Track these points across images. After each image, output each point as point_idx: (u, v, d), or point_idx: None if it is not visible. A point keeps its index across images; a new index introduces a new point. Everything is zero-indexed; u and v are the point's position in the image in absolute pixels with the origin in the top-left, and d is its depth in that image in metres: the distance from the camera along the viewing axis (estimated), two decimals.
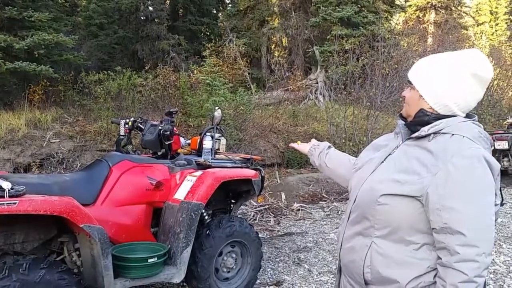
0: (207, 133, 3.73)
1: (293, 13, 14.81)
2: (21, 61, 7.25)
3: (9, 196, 2.21)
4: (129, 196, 3.08)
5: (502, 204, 1.36)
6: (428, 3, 21.97)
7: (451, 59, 1.38)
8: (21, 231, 2.56)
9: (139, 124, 3.69)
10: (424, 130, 1.36)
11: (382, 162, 1.45)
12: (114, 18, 12.58)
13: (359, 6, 12.96)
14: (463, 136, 1.30)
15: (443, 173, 1.25)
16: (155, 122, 3.65)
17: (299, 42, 14.62)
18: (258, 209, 6.21)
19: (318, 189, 7.56)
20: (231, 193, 3.89)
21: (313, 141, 2.02)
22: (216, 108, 3.95)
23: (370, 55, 10.05)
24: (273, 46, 17.05)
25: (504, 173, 8.90)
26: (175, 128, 3.57)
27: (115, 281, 2.67)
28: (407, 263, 1.32)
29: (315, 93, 12.86)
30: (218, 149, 3.89)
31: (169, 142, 3.51)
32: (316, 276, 4.06)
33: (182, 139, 3.84)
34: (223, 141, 4.00)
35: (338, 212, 6.48)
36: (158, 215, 3.27)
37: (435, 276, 1.29)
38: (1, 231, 2.49)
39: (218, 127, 3.88)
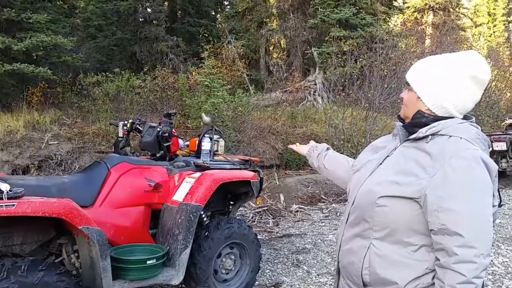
0: (206, 135, 3.73)
1: (291, 14, 14.83)
2: (19, 62, 7.24)
3: (8, 198, 2.21)
4: (128, 197, 3.08)
5: (500, 205, 1.37)
6: (426, 4, 22.05)
7: (449, 61, 1.38)
8: (20, 233, 2.56)
9: (137, 126, 3.69)
10: (422, 132, 1.37)
11: (380, 164, 1.45)
12: (112, 20, 12.58)
13: (357, 7, 12.97)
14: (461, 138, 1.30)
15: (441, 174, 1.26)
16: (153, 124, 3.65)
17: (298, 43, 14.64)
18: (256, 210, 6.21)
19: (317, 190, 7.56)
20: (229, 194, 3.89)
21: (312, 142, 2.02)
22: (204, 114, 3.93)
23: (368, 56, 10.06)
24: (271, 48, 17.06)
25: (502, 174, 8.93)
26: (173, 130, 3.57)
27: (113, 282, 2.67)
28: (406, 265, 1.32)
29: (314, 94, 12.86)
30: (217, 150, 3.89)
31: (167, 144, 3.51)
32: (315, 277, 4.06)
33: (180, 141, 3.84)
34: (222, 142, 4.01)
35: (336, 214, 6.48)
36: (156, 216, 3.27)
37: (433, 277, 1.29)
38: (0, 233, 2.49)
39: (216, 128, 3.88)
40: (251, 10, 15.58)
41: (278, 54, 17.02)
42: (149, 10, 11.99)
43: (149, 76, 9.66)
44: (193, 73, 10.46)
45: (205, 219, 3.40)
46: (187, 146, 3.95)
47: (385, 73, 9.25)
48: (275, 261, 4.47)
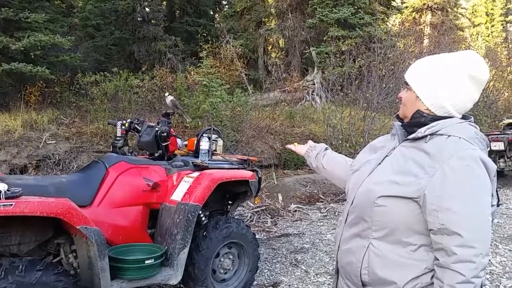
0: (204, 134, 3.73)
1: (289, 14, 14.82)
2: (17, 62, 7.21)
3: (5, 198, 2.20)
4: (126, 197, 3.08)
5: (498, 205, 1.37)
6: (424, 4, 22.09)
7: (448, 61, 1.38)
8: (18, 233, 2.55)
9: (135, 126, 3.68)
10: (420, 132, 1.37)
11: (379, 163, 1.45)
12: (110, 19, 12.55)
13: (356, 7, 12.97)
14: (460, 137, 1.30)
15: (440, 174, 1.26)
16: (151, 124, 3.64)
17: (296, 43, 14.64)
18: (255, 210, 6.21)
19: (315, 190, 7.56)
20: (228, 194, 3.89)
21: (310, 142, 2.01)
22: (166, 94, 3.88)
23: (366, 56, 10.07)
24: (270, 47, 17.05)
25: (500, 174, 8.94)
26: (172, 129, 3.56)
27: (111, 282, 2.67)
28: (405, 265, 1.32)
29: (312, 94, 12.87)
30: (215, 150, 3.89)
31: (166, 144, 3.51)
32: (313, 277, 4.06)
33: (179, 140, 3.83)
34: (220, 142, 4.01)
35: (335, 213, 6.49)
36: (155, 216, 3.26)
37: (432, 277, 1.29)
38: None
39: (215, 128, 3.88)
40: (249, 9, 15.57)
41: (276, 54, 17.02)
42: (147, 9, 11.98)
43: (147, 76, 9.65)
44: (192, 72, 10.45)
45: (203, 218, 3.40)
46: (186, 145, 3.95)
47: (384, 73, 9.25)
48: (273, 260, 4.47)
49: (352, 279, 1.44)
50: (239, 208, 5.84)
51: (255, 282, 3.78)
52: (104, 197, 2.99)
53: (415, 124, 1.41)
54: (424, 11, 22.25)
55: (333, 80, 10.08)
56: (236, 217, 3.84)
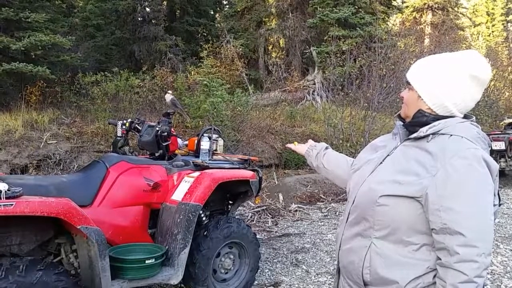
0: (205, 134, 3.73)
1: (290, 14, 14.82)
2: (18, 62, 7.22)
3: (6, 198, 2.20)
4: (127, 197, 3.07)
5: (499, 205, 1.36)
6: (425, 4, 22.07)
7: (449, 60, 1.38)
8: (18, 233, 2.55)
9: (136, 125, 3.68)
10: (422, 131, 1.36)
11: (381, 163, 1.45)
12: (111, 19, 12.56)
13: (356, 7, 12.97)
14: (462, 137, 1.30)
15: (442, 173, 1.25)
16: (152, 123, 3.64)
17: (297, 43, 14.63)
18: (255, 210, 6.21)
19: (316, 190, 7.56)
20: (228, 194, 3.89)
21: (310, 142, 2.01)
22: (170, 92, 3.86)
23: (367, 56, 10.07)
24: (270, 47, 17.05)
25: (501, 173, 8.93)
26: (172, 129, 3.56)
27: (112, 282, 2.67)
28: (407, 264, 1.32)
29: (313, 94, 12.86)
30: (216, 150, 3.89)
31: (166, 143, 3.50)
32: (314, 277, 4.05)
33: (179, 140, 3.83)
34: (221, 142, 4.01)
35: (336, 213, 6.48)
36: (155, 216, 3.26)
37: (434, 276, 1.29)
38: None
39: (215, 128, 3.88)
40: (250, 9, 15.57)
41: (277, 54, 17.02)
42: (148, 9, 11.98)
43: (148, 76, 9.65)
44: (192, 72, 10.45)
45: (204, 218, 3.40)
46: (186, 145, 3.94)
47: (384, 73, 9.25)
48: (274, 260, 4.47)
49: (354, 278, 1.44)
50: (239, 208, 5.84)
51: (256, 282, 3.78)
52: (105, 197, 2.99)
53: (417, 123, 1.40)
54: (424, 11, 22.23)
55: (333, 80, 10.09)
56: (236, 217, 3.83)
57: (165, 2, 14.20)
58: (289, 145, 2.12)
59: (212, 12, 16.41)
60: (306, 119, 10.93)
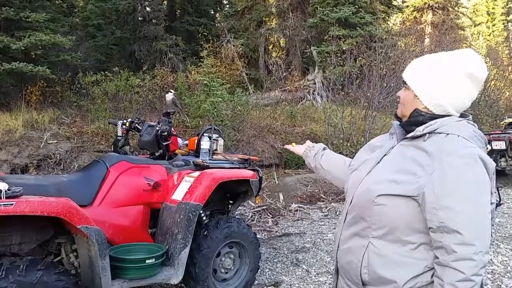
0: (205, 134, 3.72)
1: (290, 13, 14.82)
2: (18, 61, 7.22)
3: (6, 197, 2.20)
4: (127, 197, 3.07)
5: (500, 204, 1.37)
6: (425, 3, 22.05)
7: (445, 59, 1.38)
8: (18, 233, 2.55)
9: (136, 125, 3.68)
10: (419, 130, 1.37)
11: (378, 162, 1.45)
12: (111, 19, 12.56)
13: (357, 6, 12.96)
14: (458, 136, 1.30)
15: (439, 172, 1.26)
16: (152, 123, 3.64)
17: (297, 42, 14.63)
18: (256, 209, 6.21)
19: (316, 189, 7.56)
20: (229, 193, 3.89)
21: (308, 142, 2.01)
22: (172, 92, 3.85)
23: (367, 55, 10.07)
24: (270, 47, 17.05)
25: (501, 173, 8.93)
26: (172, 129, 3.56)
27: (112, 282, 2.67)
28: (405, 263, 1.32)
29: (313, 93, 12.86)
30: (216, 149, 3.89)
31: (166, 143, 3.51)
32: (314, 276, 4.06)
33: (179, 140, 3.83)
34: (221, 141, 4.00)
35: (336, 213, 6.48)
36: (155, 216, 3.26)
37: (432, 275, 1.29)
38: None
39: (215, 127, 3.88)
40: (250, 9, 15.57)
41: (277, 53, 17.02)
42: (148, 9, 11.98)
43: (148, 75, 9.65)
44: (192, 72, 10.45)
45: (204, 218, 3.39)
46: (186, 145, 3.94)
47: (384, 72, 9.25)
48: (274, 260, 4.47)
49: (352, 278, 1.44)
50: (240, 207, 5.84)
51: (256, 282, 3.78)
52: (105, 197, 2.99)
53: (413, 123, 1.41)
54: (425, 10, 22.22)
55: (334, 80, 10.08)
56: (237, 217, 3.83)
57: (165, 2, 14.21)
58: (287, 146, 2.13)
59: (212, 12, 16.40)
60: (307, 118, 10.94)
